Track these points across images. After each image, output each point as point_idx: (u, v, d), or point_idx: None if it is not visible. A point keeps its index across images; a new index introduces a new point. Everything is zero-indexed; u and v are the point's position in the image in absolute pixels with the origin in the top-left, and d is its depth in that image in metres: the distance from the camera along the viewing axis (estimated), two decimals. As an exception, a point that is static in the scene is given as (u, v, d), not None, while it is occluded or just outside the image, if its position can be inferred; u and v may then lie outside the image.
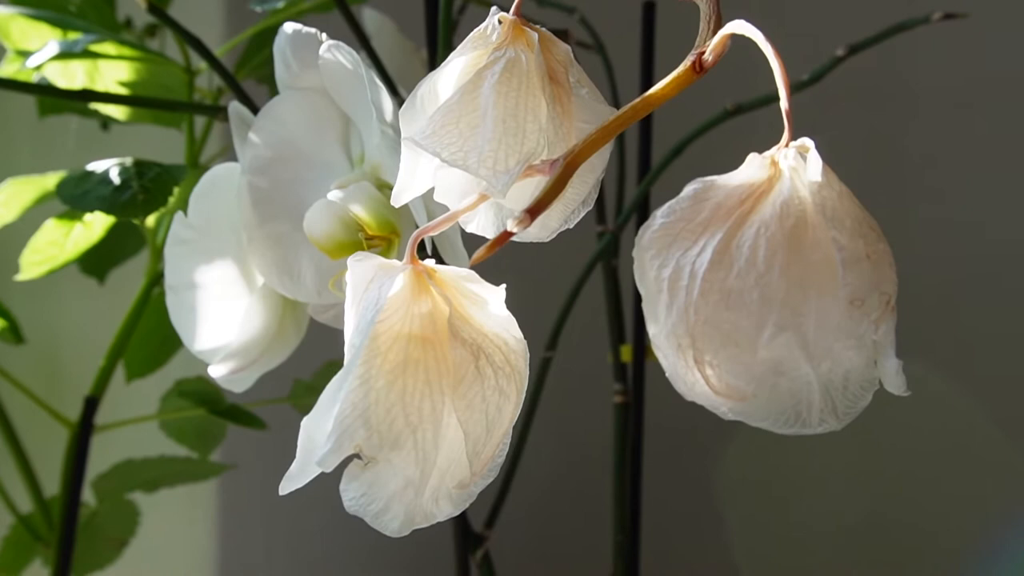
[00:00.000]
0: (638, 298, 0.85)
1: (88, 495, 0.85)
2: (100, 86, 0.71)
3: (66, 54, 0.60)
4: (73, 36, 0.66)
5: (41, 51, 0.59)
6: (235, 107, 0.46)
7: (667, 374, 0.22)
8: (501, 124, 0.25)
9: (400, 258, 0.41)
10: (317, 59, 0.41)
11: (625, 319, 0.81)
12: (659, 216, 0.21)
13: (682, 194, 0.22)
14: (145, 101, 0.63)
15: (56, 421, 0.73)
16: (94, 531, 0.88)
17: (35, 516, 0.82)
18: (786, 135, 0.21)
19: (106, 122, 0.88)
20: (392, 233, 0.40)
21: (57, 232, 0.64)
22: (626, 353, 0.82)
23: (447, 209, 0.35)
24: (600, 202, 0.77)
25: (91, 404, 0.71)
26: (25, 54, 0.65)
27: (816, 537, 0.99)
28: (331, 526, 1.08)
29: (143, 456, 0.87)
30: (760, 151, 0.23)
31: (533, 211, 0.22)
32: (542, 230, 0.28)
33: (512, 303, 0.26)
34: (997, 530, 0.91)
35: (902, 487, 0.97)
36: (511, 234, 0.23)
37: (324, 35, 0.41)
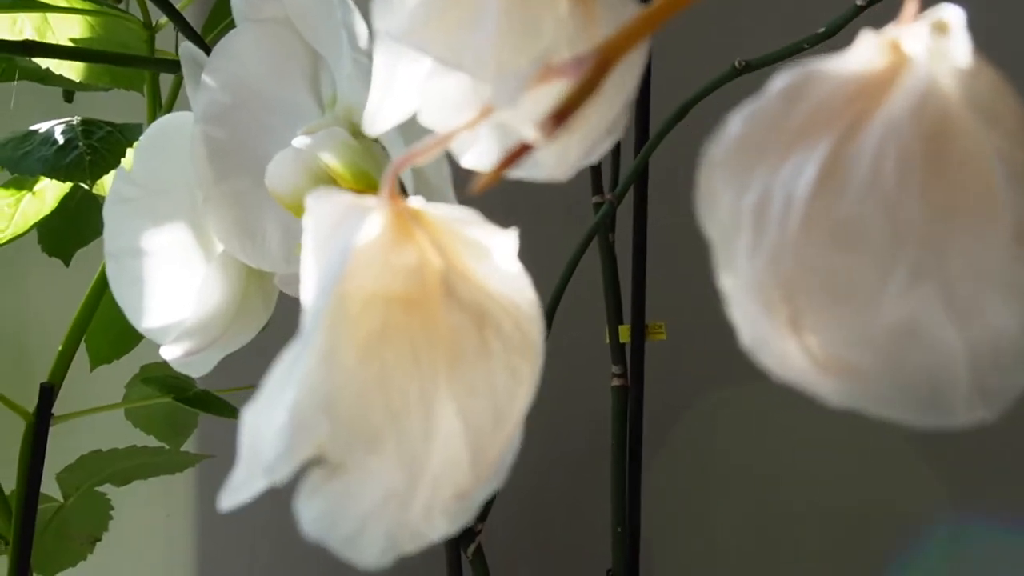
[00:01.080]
0: (637, 274, 0.78)
1: (54, 489, 0.79)
2: (51, 42, 0.63)
3: (7, 3, 0.52)
4: (19, -13, 0.59)
5: (-22, -2, 0.52)
6: (187, 47, 0.39)
7: (746, 342, 0.15)
8: (507, 15, 0.18)
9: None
10: (281, -15, 0.34)
11: (623, 297, 0.75)
12: (737, 122, 0.15)
13: (768, 91, 0.15)
14: (98, 55, 0.55)
15: (11, 411, 0.66)
16: (62, 527, 0.81)
17: (-5, 513, 0.76)
18: (912, 3, 0.15)
19: (70, 91, 0.81)
20: (369, 187, 0.33)
21: (3, 203, 0.57)
22: (624, 333, 0.76)
23: (436, 161, 0.28)
24: (596, 169, 0.70)
25: (47, 392, 0.64)
26: (-37, 6, 0.58)
27: (821, 522, 0.93)
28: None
29: (112, 447, 0.81)
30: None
31: (559, 115, 0.15)
32: (559, 163, 0.21)
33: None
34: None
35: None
36: (526, 150, 0.16)
37: None
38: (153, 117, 0.64)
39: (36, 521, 0.70)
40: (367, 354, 0.17)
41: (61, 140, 0.46)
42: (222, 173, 0.36)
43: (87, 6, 0.59)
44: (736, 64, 0.60)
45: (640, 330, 0.75)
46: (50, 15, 0.61)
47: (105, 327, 0.72)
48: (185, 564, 1.05)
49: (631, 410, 0.76)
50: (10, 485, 0.74)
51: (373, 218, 0.18)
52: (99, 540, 0.83)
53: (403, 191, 0.34)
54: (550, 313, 0.72)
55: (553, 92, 0.18)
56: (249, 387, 0.75)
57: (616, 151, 0.73)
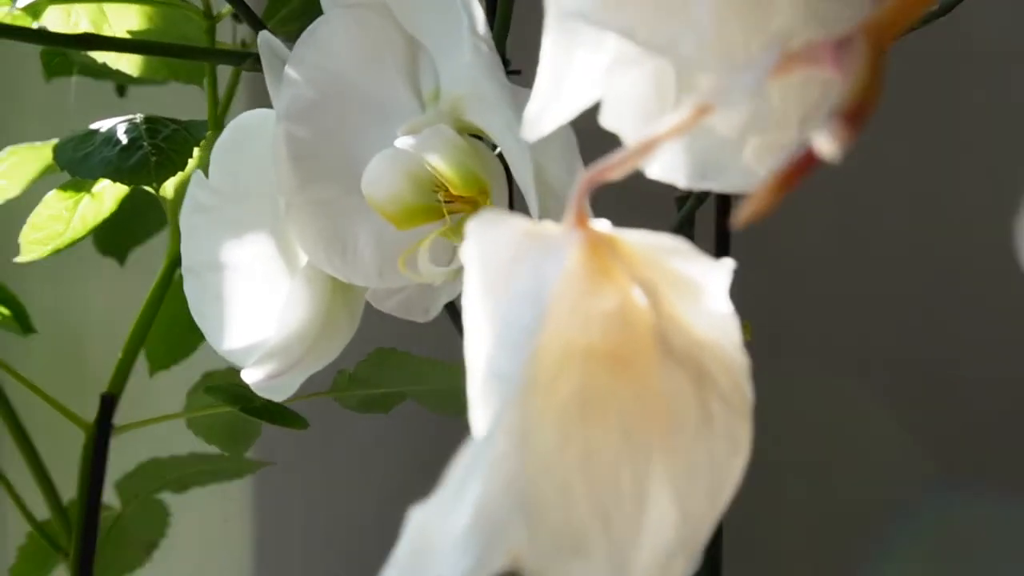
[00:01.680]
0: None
1: (112, 497, 0.76)
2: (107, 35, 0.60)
3: (62, -9, 0.49)
4: (73, -23, 0.56)
5: (32, -11, 0.49)
6: (265, 37, 0.35)
7: None
8: (728, -14, 0.14)
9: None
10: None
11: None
12: None
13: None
14: (160, 47, 0.52)
15: (71, 422, 0.63)
16: (120, 535, 0.78)
17: (52, 523, 0.73)
18: None
19: (122, 86, 0.78)
20: (480, 193, 0.29)
21: (61, 205, 0.53)
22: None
23: (566, 163, 0.25)
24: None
25: (108, 403, 0.61)
26: (16, -4, 0.55)
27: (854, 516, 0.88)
28: (376, 523, 0.98)
29: (171, 454, 0.78)
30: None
31: (854, 114, 0.11)
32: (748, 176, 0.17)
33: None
34: None
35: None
36: (811, 162, 0.12)
37: None
38: (214, 112, 0.60)
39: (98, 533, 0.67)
40: (567, 431, 0.13)
41: (125, 140, 0.43)
42: (307, 177, 0.32)
43: (145, -5, 0.56)
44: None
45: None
46: (106, 6, 0.57)
47: (164, 331, 0.69)
48: (242, 569, 1.02)
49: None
50: (67, 494, 0.72)
51: (564, 251, 0.14)
52: (156, 547, 0.81)
53: (505, 205, 0.30)
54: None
55: (797, 85, 0.13)
56: (307, 396, 0.72)
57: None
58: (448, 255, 0.30)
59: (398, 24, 0.31)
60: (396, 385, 0.67)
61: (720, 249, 0.72)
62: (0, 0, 0.54)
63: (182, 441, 0.77)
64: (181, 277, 0.67)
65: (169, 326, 0.70)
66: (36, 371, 0.79)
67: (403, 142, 0.29)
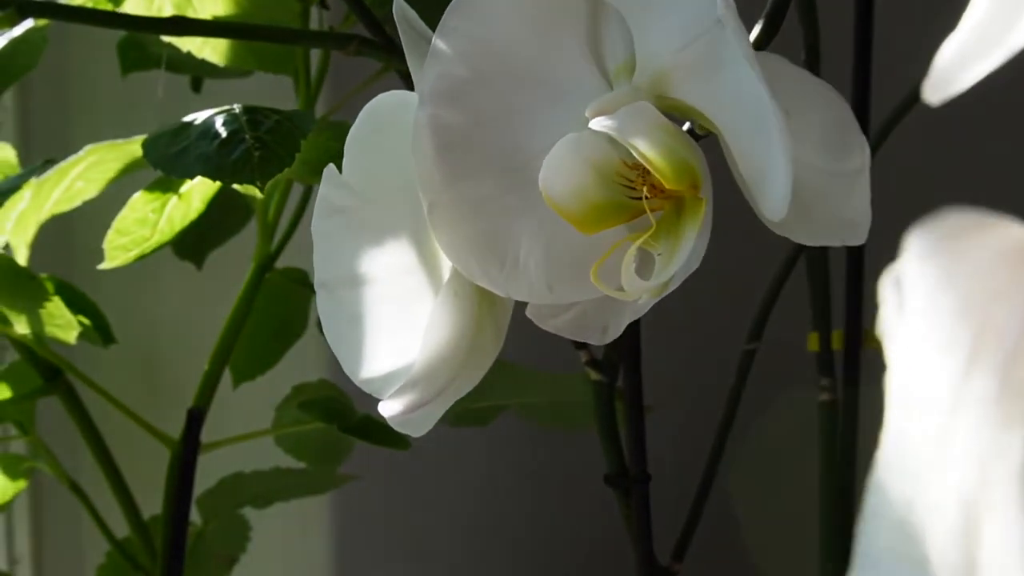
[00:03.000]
0: (851, 274, 0.67)
1: (192, 513, 0.72)
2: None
3: (150, -30, 0.44)
4: (157, -43, 0.51)
5: (117, -32, 0.44)
6: (401, 6, 0.29)
7: None
8: None
9: (704, 226, 0.24)
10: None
11: (834, 300, 0.64)
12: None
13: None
14: (257, 30, 0.46)
15: (155, 438, 0.58)
16: (201, 551, 0.74)
17: (132, 541, 0.69)
18: None
19: (198, 80, 0.73)
20: (693, 184, 0.23)
21: (147, 208, 0.49)
22: (837, 340, 0.65)
23: (834, 147, 0.19)
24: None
25: (196, 418, 0.56)
26: (99, -21, 0.50)
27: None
28: (455, 535, 0.93)
29: (254, 468, 0.73)
30: None
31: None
32: None
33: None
34: None
35: None
36: None
37: None
38: (305, 104, 0.55)
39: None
40: None
41: (224, 133, 0.37)
42: (456, 172, 0.27)
43: (234, -23, 0.51)
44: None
45: (856, 336, 0.64)
46: (191, -10, 0.52)
47: (248, 341, 0.64)
48: (322, 582, 0.98)
49: (843, 430, 0.65)
50: (148, 509, 0.67)
51: None
52: (237, 562, 0.77)
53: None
54: (761, 322, 0.61)
55: None
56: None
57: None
58: (645, 263, 0.24)
59: (577, -22, 0.25)
60: (497, 398, 0.61)
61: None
62: (81, -16, 0.50)
63: (265, 453, 0.72)
64: (268, 282, 0.63)
65: (253, 335, 0.65)
66: (109, 379, 0.75)
67: (598, 124, 0.23)
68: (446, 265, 0.28)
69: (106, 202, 0.61)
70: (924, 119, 0.56)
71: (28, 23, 0.44)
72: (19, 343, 0.55)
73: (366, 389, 0.28)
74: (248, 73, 0.60)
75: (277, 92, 0.62)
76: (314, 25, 0.60)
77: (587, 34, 0.26)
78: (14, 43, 0.45)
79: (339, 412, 0.54)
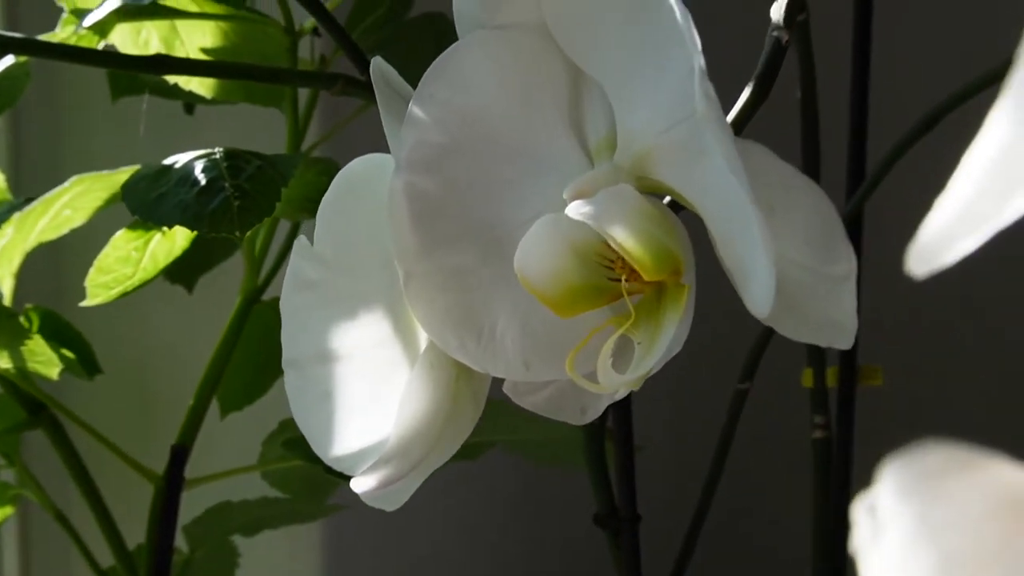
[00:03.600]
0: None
1: (179, 540, 0.71)
2: (180, 54, 0.54)
3: (131, 10, 0.43)
4: (143, -9, 0.50)
5: (100, 7, 0.42)
6: (378, 64, 0.28)
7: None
8: None
9: (686, 313, 0.23)
10: (535, -27, 0.23)
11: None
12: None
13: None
14: (240, 69, 0.45)
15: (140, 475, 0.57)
16: (188, 578, 0.73)
17: (117, 570, 0.68)
18: None
19: (191, 104, 0.72)
20: (674, 272, 0.22)
21: (129, 246, 0.47)
22: (832, 376, 0.64)
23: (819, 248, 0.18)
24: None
25: (179, 455, 0.55)
26: (82, 13, 0.49)
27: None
28: (443, 565, 0.92)
29: (241, 498, 0.72)
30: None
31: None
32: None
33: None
34: None
35: None
36: None
37: None
38: (294, 138, 0.54)
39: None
40: None
41: (203, 180, 0.36)
42: (432, 241, 0.26)
43: (221, 10, 0.49)
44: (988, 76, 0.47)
45: (851, 373, 0.63)
46: (178, 23, 0.51)
47: (235, 372, 0.63)
48: (312, 606, 0.96)
49: (836, 467, 0.64)
50: (131, 538, 0.66)
51: None
52: (226, 588, 0.75)
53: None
54: (753, 362, 0.60)
55: None
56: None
57: (817, 165, 0.61)
58: (624, 350, 0.23)
59: (560, 52, 0.24)
60: (487, 434, 0.60)
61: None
62: (65, 20, 0.49)
63: (253, 483, 0.71)
64: (256, 313, 0.62)
65: (241, 366, 0.64)
66: (96, 407, 0.74)
67: (576, 210, 0.22)
68: (422, 336, 0.27)
69: (95, 230, 0.60)
70: (921, 157, 0.55)
71: (9, 59, 0.43)
72: (2, 377, 0.54)
73: (336, 468, 0.27)
74: (240, 102, 0.59)
75: (269, 112, 0.61)
76: (304, 53, 0.59)
77: (568, 106, 0.25)
78: (-3, 80, 0.44)
79: (324, 451, 0.53)
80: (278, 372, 0.69)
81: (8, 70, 0.44)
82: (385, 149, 0.27)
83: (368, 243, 0.27)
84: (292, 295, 0.27)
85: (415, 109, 0.25)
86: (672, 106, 0.21)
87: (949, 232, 0.10)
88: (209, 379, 0.56)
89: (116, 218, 0.59)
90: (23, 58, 0.45)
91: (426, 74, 0.25)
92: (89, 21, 0.42)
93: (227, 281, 0.69)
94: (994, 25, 0.79)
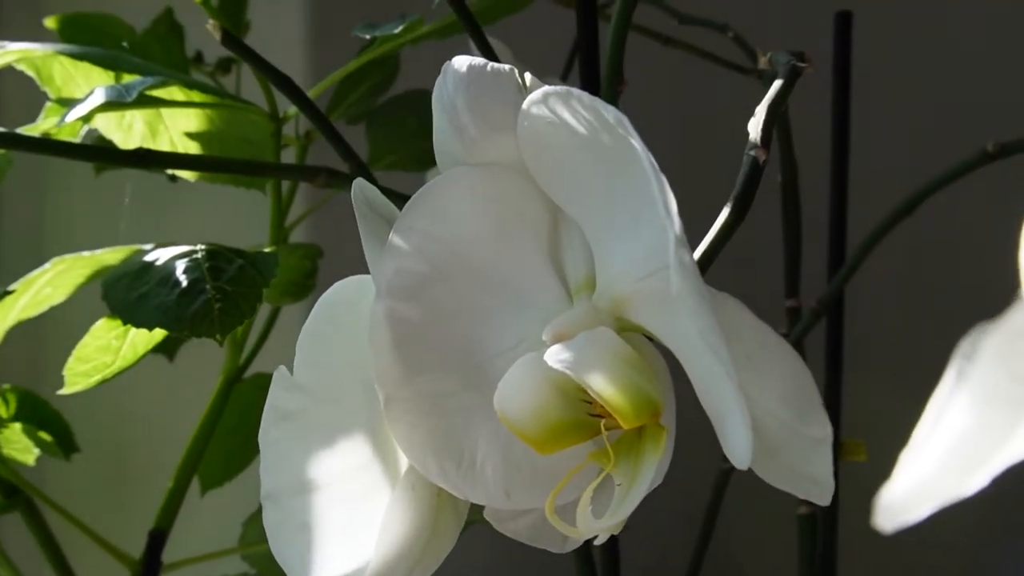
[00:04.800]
0: (831, 387, 0.66)
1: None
2: (164, 139, 0.54)
3: (116, 103, 0.43)
4: (129, 78, 0.50)
5: (84, 101, 0.43)
6: (360, 185, 0.28)
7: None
8: None
9: (665, 453, 0.23)
10: (516, 115, 0.23)
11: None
12: None
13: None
14: (223, 163, 0.46)
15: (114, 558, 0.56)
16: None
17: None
18: None
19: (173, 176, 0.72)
20: (653, 415, 0.22)
21: (110, 335, 0.47)
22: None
23: (795, 401, 0.18)
24: (793, 269, 0.58)
25: (157, 540, 0.55)
26: (68, 102, 0.49)
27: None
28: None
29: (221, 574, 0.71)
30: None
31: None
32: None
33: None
34: None
35: None
36: None
37: (528, 75, 0.24)
38: (277, 225, 0.54)
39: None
40: None
41: (184, 281, 0.36)
42: (413, 367, 0.26)
43: (206, 99, 0.50)
44: (989, 148, 0.47)
45: (835, 449, 0.63)
46: (163, 108, 0.52)
47: (216, 448, 0.63)
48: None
49: (822, 544, 0.64)
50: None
51: None
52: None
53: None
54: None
55: None
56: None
57: (798, 248, 0.61)
58: (602, 486, 0.23)
59: (540, 190, 0.24)
60: (470, 515, 0.60)
61: (833, 351, 0.65)
62: (49, 109, 0.49)
63: (234, 565, 0.70)
64: (236, 390, 0.62)
65: (221, 442, 0.63)
66: (72, 481, 0.73)
67: (555, 356, 0.22)
68: (402, 458, 0.27)
69: (76, 304, 0.59)
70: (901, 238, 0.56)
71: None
72: (-23, 462, 0.54)
73: (314, 596, 0.27)
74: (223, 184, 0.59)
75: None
76: (289, 130, 0.59)
77: (548, 241, 0.25)
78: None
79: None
80: (258, 449, 0.69)
81: (-10, 161, 0.44)
82: None
83: (348, 367, 0.27)
84: (271, 427, 0.27)
85: (396, 239, 0.25)
86: (648, 255, 0.22)
87: (913, 498, 0.10)
88: (189, 461, 0.56)
89: (93, 290, 0.59)
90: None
91: (406, 207, 0.25)
92: (72, 117, 0.42)
93: (206, 355, 0.68)
94: (970, 113, 0.80)
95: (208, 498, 0.65)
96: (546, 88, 0.22)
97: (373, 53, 0.52)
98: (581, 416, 0.23)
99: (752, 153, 0.30)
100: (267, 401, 0.27)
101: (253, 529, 0.61)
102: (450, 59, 0.26)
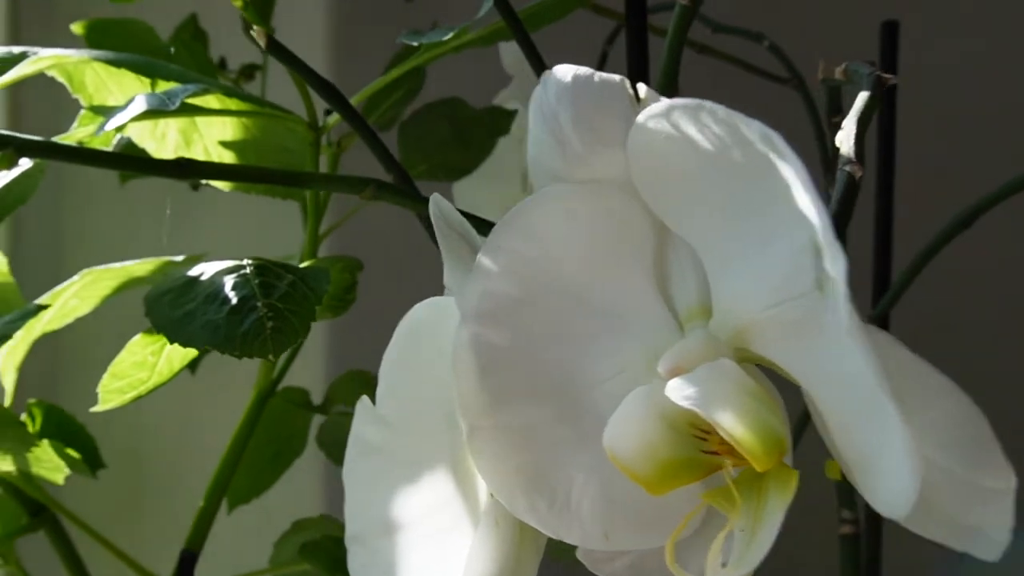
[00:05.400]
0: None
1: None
2: (199, 148, 0.52)
3: (158, 111, 0.41)
4: (164, 86, 0.48)
5: (124, 109, 0.41)
6: (438, 203, 0.26)
7: None
8: None
9: (788, 497, 0.21)
10: (626, 129, 0.22)
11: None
12: None
13: None
14: (267, 174, 0.44)
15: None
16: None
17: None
18: None
19: (196, 184, 0.70)
20: (781, 453, 0.21)
21: (146, 351, 0.45)
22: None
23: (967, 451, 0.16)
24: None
25: (188, 561, 0.53)
26: (103, 110, 0.47)
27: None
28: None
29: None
30: None
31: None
32: None
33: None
34: None
35: None
36: None
37: (643, 86, 0.22)
38: (313, 233, 0.52)
39: None
40: None
41: (234, 298, 0.35)
42: (500, 396, 0.24)
43: (243, 107, 0.48)
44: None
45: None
46: (197, 117, 0.50)
47: (245, 464, 0.61)
48: None
49: (865, 565, 0.62)
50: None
51: None
52: None
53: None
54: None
55: None
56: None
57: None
58: (710, 520, 0.21)
59: (646, 209, 0.22)
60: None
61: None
62: (83, 117, 0.47)
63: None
64: (271, 408, 0.60)
65: (251, 458, 0.62)
66: (92, 496, 0.71)
67: (678, 392, 0.20)
68: (483, 491, 0.25)
69: (92, 315, 0.58)
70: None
71: (26, 163, 0.41)
72: (3, 480, 0.52)
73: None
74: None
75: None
76: (326, 141, 0.57)
77: (653, 263, 0.23)
78: (12, 180, 0.42)
79: (344, 560, 0.51)
80: (289, 461, 0.67)
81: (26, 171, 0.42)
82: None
83: (430, 396, 0.25)
84: (356, 463, 0.26)
85: (483, 260, 0.24)
86: (783, 281, 0.20)
87: None
88: (221, 478, 0.54)
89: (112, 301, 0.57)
90: (40, 158, 0.43)
91: (496, 226, 0.23)
92: (112, 125, 0.40)
93: (225, 367, 0.67)
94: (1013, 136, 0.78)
95: (237, 518, 0.63)
96: (671, 101, 0.21)
97: (416, 61, 0.50)
98: (695, 454, 0.21)
99: (847, 169, 0.28)
100: (351, 433, 0.26)
101: (283, 550, 0.59)
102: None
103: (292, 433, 0.62)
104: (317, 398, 0.64)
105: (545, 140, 0.23)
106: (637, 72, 0.46)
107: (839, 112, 0.46)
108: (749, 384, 0.21)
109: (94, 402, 0.61)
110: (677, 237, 0.23)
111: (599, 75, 0.22)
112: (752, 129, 0.19)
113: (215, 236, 0.85)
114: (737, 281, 0.21)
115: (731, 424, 0.20)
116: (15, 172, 0.43)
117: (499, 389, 0.24)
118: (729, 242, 0.21)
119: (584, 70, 0.22)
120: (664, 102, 0.21)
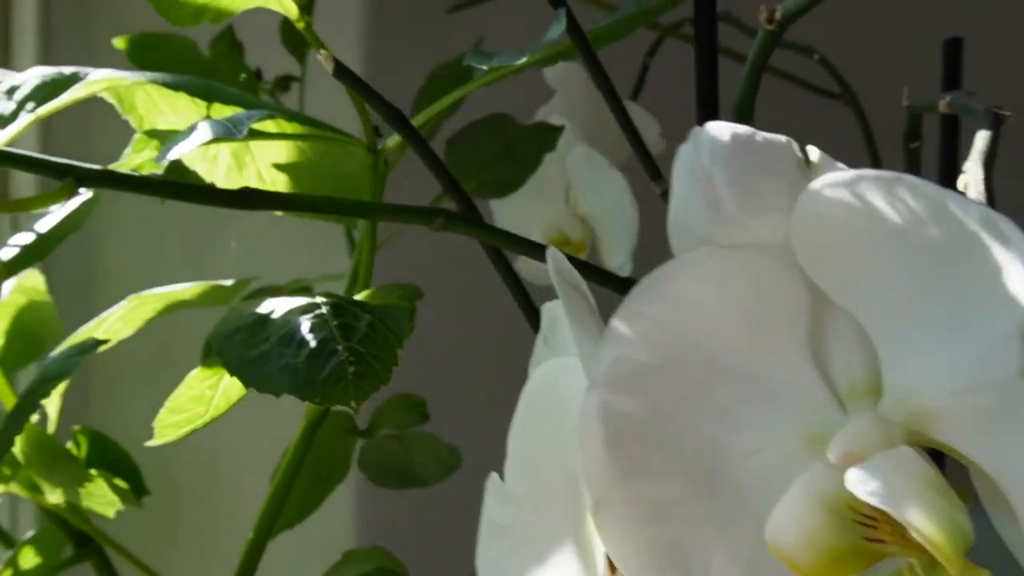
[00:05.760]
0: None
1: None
2: (251, 171, 0.51)
3: (225, 139, 0.40)
4: (220, 108, 0.47)
5: (188, 137, 0.39)
6: (555, 258, 0.25)
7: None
8: None
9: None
10: (789, 194, 0.20)
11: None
12: None
13: None
14: (335, 204, 0.43)
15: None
16: None
17: None
18: None
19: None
20: (966, 548, 0.19)
21: (203, 384, 0.44)
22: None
23: None
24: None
25: (239, 595, 0.51)
26: (158, 134, 0.46)
27: None
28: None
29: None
30: None
31: None
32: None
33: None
34: None
35: None
36: None
37: (813, 149, 0.21)
38: (368, 260, 0.51)
39: None
40: None
41: (312, 341, 0.33)
42: (630, 468, 0.22)
43: (300, 130, 0.47)
44: None
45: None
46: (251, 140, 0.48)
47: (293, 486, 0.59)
48: None
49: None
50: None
51: None
52: None
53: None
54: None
55: None
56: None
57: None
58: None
59: (803, 276, 0.21)
60: None
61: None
62: (137, 142, 0.45)
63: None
64: (319, 434, 0.58)
65: (298, 481, 0.60)
66: (128, 525, 0.69)
67: (861, 487, 0.19)
68: (600, 567, 0.24)
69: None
70: None
71: (85, 194, 0.40)
72: (49, 511, 0.50)
73: None
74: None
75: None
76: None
77: (808, 334, 0.22)
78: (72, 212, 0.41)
79: (401, 594, 0.50)
80: (332, 486, 0.66)
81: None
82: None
83: (553, 467, 0.24)
84: (489, 546, 0.24)
85: (619, 324, 0.22)
86: (978, 366, 0.18)
87: None
88: (271, 508, 0.52)
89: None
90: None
91: (633, 290, 0.22)
92: (176, 154, 0.39)
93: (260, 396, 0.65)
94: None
95: (281, 546, 0.62)
96: (859, 171, 0.19)
97: (480, 81, 0.49)
98: (859, 542, 0.20)
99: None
100: (483, 512, 0.24)
101: (335, 579, 0.57)
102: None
103: (336, 458, 0.61)
104: (362, 422, 0.63)
105: (694, 201, 0.21)
106: (707, 97, 0.44)
107: (918, 138, 0.45)
108: (932, 476, 0.19)
109: (125, 421, 0.60)
110: (839, 309, 0.21)
111: (761, 135, 0.21)
112: (967, 209, 0.18)
113: (247, 251, 0.83)
114: (920, 362, 0.20)
115: (922, 523, 0.18)
116: (75, 202, 0.42)
117: (629, 460, 0.23)
118: (909, 320, 0.20)
119: (744, 129, 0.21)
120: (850, 171, 0.19)
